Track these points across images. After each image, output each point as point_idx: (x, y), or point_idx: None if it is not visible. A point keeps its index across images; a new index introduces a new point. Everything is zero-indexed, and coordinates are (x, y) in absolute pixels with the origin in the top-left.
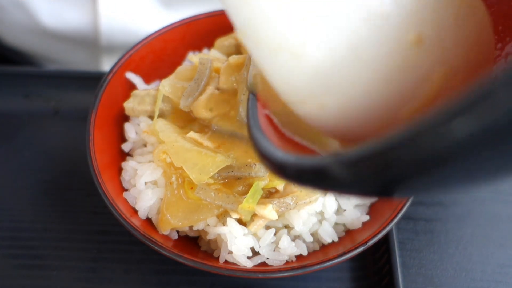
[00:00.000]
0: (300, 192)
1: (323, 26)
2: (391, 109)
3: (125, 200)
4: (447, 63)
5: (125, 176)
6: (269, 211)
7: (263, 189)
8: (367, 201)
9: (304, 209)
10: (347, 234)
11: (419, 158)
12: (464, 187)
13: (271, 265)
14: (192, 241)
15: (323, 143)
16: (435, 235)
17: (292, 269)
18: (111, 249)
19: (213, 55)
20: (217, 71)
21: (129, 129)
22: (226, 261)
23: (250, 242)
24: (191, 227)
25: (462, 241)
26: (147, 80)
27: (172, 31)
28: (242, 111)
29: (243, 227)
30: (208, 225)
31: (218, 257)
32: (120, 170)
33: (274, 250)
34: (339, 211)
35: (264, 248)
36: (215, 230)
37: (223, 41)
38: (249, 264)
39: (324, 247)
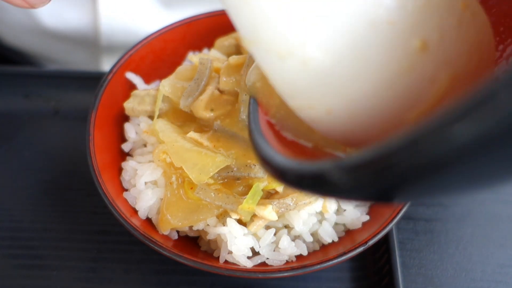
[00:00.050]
0: (300, 193)
1: (326, 29)
2: (396, 113)
3: (125, 200)
4: (451, 67)
5: (125, 176)
6: (269, 212)
7: (263, 190)
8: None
9: (304, 210)
10: (347, 234)
11: (420, 163)
12: (465, 191)
13: (271, 265)
14: (192, 241)
15: (325, 145)
16: (435, 235)
17: (292, 269)
18: (111, 249)
19: (213, 55)
20: (217, 71)
21: (129, 129)
22: (226, 261)
23: (250, 242)
24: (191, 227)
25: (462, 241)
26: (147, 80)
27: (172, 31)
28: (243, 112)
29: (243, 227)
30: (208, 225)
31: (218, 257)
32: (120, 170)
33: (274, 250)
34: (339, 211)
35: (264, 248)
36: (215, 230)
37: (223, 41)
38: (249, 264)
39: (324, 247)
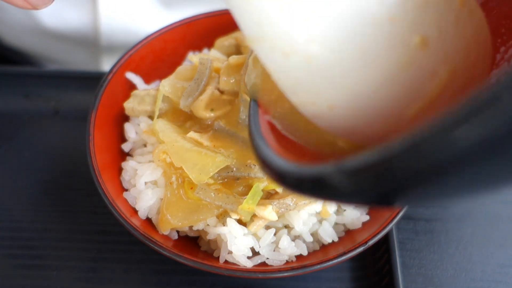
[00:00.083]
0: None
1: (329, 26)
2: (397, 109)
3: (125, 200)
4: (450, 63)
5: (125, 176)
6: (269, 212)
7: (263, 190)
8: None
9: (304, 210)
10: (347, 234)
11: (422, 167)
12: (467, 196)
13: (271, 265)
14: (192, 241)
15: (326, 144)
16: (435, 235)
17: (292, 269)
18: (111, 249)
19: (213, 55)
20: (217, 71)
21: (129, 129)
22: (226, 261)
23: (250, 242)
24: (191, 227)
25: (462, 241)
26: (147, 80)
27: (172, 31)
28: (243, 112)
29: (243, 227)
30: (208, 225)
31: (218, 257)
32: (120, 170)
33: (274, 250)
34: (339, 211)
35: (264, 248)
36: (215, 230)
37: (223, 41)
38: (249, 264)
39: (324, 247)
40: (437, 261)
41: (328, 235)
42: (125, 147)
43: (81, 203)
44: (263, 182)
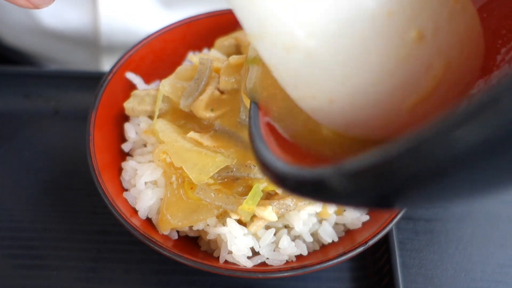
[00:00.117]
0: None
1: (330, 22)
2: (395, 102)
3: (125, 200)
4: (445, 58)
5: (125, 176)
6: (269, 213)
7: (262, 191)
8: None
9: (304, 210)
10: (347, 234)
11: (421, 169)
12: (467, 198)
13: (271, 265)
14: (192, 241)
15: (325, 144)
16: (435, 235)
17: (292, 269)
18: (111, 249)
19: (213, 55)
20: (217, 71)
21: (129, 129)
22: (226, 261)
23: (250, 242)
24: (191, 227)
25: (462, 241)
26: (147, 80)
27: (172, 31)
28: (243, 112)
29: (243, 227)
30: (208, 225)
31: (218, 257)
32: (120, 170)
33: (274, 250)
34: (339, 211)
35: (264, 248)
36: (215, 230)
37: (223, 41)
38: (249, 264)
39: (324, 247)
40: (437, 261)
41: (328, 235)
42: (125, 147)
43: (81, 203)
44: (263, 183)
